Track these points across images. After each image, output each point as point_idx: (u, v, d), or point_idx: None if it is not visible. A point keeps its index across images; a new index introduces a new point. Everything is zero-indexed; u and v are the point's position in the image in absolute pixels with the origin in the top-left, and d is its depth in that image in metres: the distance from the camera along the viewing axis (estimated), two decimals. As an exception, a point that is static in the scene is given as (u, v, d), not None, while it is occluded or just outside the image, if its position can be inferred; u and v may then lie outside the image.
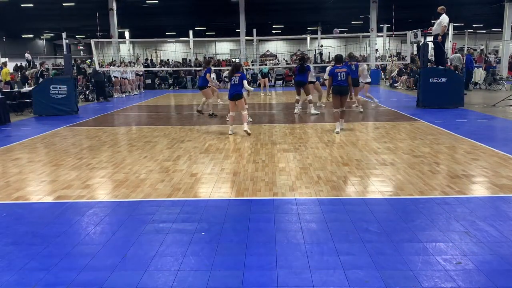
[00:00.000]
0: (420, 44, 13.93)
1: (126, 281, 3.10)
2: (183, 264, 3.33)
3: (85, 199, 4.96)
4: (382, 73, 26.89)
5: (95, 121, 11.77)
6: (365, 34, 26.14)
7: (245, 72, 9.07)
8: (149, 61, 30.08)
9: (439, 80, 12.23)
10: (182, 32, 36.89)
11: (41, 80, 13.08)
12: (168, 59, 32.37)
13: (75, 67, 21.27)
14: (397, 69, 22.68)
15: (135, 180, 5.68)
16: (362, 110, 12.02)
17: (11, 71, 25.88)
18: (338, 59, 9.14)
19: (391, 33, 23.13)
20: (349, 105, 12.18)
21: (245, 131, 8.76)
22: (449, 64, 18.50)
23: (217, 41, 40.65)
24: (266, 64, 24.99)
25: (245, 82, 8.86)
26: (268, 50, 36.25)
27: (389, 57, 31.03)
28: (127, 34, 35.79)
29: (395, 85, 21.65)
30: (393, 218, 4.17)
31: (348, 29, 39.07)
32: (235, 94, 8.83)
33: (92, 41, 16.69)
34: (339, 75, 8.80)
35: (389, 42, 36.78)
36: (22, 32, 38.73)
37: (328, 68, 14.19)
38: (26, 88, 15.10)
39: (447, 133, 8.59)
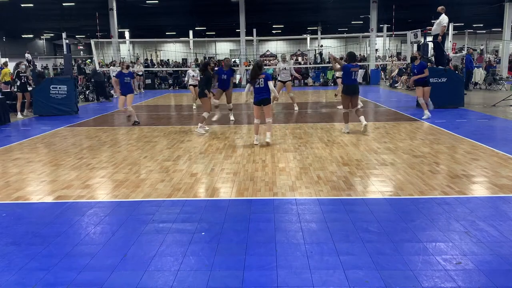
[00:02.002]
0: (420, 44, 13.94)
1: (126, 281, 3.10)
2: (183, 264, 3.33)
3: (85, 199, 4.96)
4: (382, 73, 26.92)
5: (95, 121, 11.77)
6: (365, 34, 26.14)
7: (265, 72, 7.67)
8: (149, 61, 30.09)
9: (439, 80, 12.22)
10: (182, 32, 36.91)
11: (18, 83, 12.99)
12: (168, 59, 32.38)
13: (75, 67, 21.29)
14: (397, 69, 22.69)
15: (135, 180, 5.68)
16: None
17: (12, 71, 25.83)
18: (352, 57, 8.64)
19: (391, 33, 23.13)
20: None
21: (266, 142, 7.70)
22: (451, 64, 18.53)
23: (217, 41, 40.65)
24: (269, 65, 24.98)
25: (270, 83, 7.63)
26: (268, 50, 36.24)
27: (389, 57, 31.05)
28: (127, 34, 35.79)
29: (395, 85, 21.66)
30: (393, 218, 4.17)
31: (348, 29, 39.10)
32: (263, 99, 7.64)
33: (92, 41, 16.71)
34: (353, 73, 8.40)
35: (389, 42, 36.79)
36: (22, 32, 38.72)
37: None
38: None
39: (447, 133, 8.59)
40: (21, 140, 8.87)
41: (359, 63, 13.75)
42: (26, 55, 30.75)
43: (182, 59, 34.00)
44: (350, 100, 8.59)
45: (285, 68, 13.04)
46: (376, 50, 28.56)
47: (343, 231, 3.87)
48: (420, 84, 10.61)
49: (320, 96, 18.35)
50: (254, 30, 26.51)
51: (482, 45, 34.47)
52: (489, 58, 24.29)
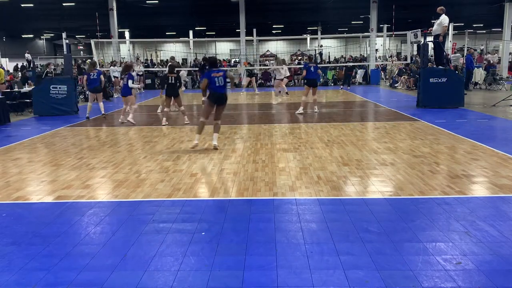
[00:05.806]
0: (420, 44, 13.94)
1: (126, 281, 3.10)
2: (183, 264, 3.33)
3: (85, 199, 4.96)
4: (382, 73, 26.92)
5: (95, 121, 11.76)
6: (365, 34, 26.14)
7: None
8: (149, 61, 30.08)
9: (439, 80, 12.22)
10: (182, 32, 36.91)
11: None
12: (168, 59, 32.35)
13: (76, 67, 21.29)
14: (397, 69, 22.70)
15: (135, 180, 5.68)
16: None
17: (11, 71, 25.88)
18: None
19: (391, 33, 23.13)
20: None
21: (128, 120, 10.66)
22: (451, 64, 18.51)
23: (217, 41, 40.64)
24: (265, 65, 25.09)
25: (129, 81, 10.88)
26: (268, 50, 36.24)
27: (389, 57, 31.06)
28: (127, 34, 35.79)
29: (395, 85, 21.66)
30: (393, 218, 4.17)
31: (348, 29, 39.10)
32: (125, 93, 10.98)
33: (92, 41, 16.70)
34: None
35: (389, 42, 36.80)
36: (22, 32, 38.71)
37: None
38: (26, 88, 15.09)
39: (447, 133, 8.59)
40: (21, 140, 8.87)
41: (360, 63, 13.95)
42: (26, 55, 30.76)
43: (182, 59, 33.99)
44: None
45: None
46: (376, 50, 28.54)
47: (343, 231, 3.87)
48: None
49: (320, 96, 18.33)
50: (254, 30, 26.51)
51: (482, 45, 34.48)
52: (490, 56, 24.22)
